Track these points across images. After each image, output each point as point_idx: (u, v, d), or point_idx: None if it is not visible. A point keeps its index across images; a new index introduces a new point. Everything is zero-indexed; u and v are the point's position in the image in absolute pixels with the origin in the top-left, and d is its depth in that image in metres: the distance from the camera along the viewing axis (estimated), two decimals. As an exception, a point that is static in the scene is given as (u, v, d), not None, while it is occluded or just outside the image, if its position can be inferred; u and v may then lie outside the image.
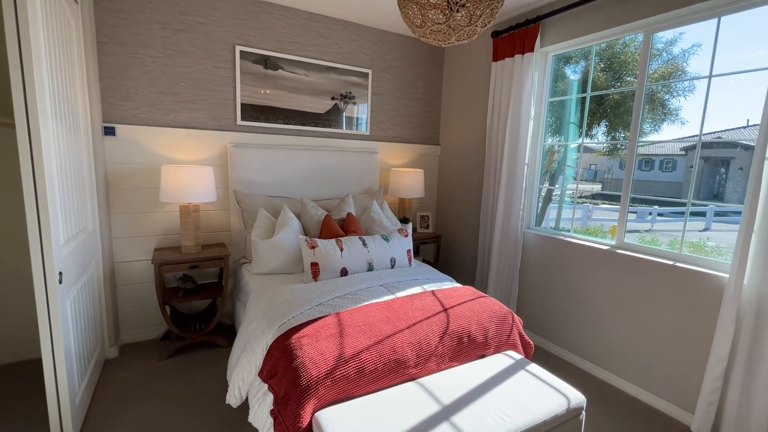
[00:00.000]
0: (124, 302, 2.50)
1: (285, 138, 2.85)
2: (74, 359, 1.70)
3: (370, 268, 2.21)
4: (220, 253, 2.42)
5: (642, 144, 2.18)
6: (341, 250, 2.14)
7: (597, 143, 3.88)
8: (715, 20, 1.85)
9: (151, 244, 2.52)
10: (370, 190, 3.14)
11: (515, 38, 2.63)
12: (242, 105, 2.67)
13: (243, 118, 2.69)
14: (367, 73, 3.12)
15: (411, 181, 3.11)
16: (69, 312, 1.66)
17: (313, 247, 2.10)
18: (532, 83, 2.56)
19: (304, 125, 2.92)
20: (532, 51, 2.51)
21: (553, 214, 3.12)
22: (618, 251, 2.22)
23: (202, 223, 2.66)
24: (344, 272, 2.13)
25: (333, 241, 2.17)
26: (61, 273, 1.55)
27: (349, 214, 2.53)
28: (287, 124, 2.85)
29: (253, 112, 2.72)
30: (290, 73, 2.80)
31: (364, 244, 2.22)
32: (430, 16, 1.32)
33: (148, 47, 2.35)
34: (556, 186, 3.08)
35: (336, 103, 3.03)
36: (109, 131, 2.30)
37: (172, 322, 2.36)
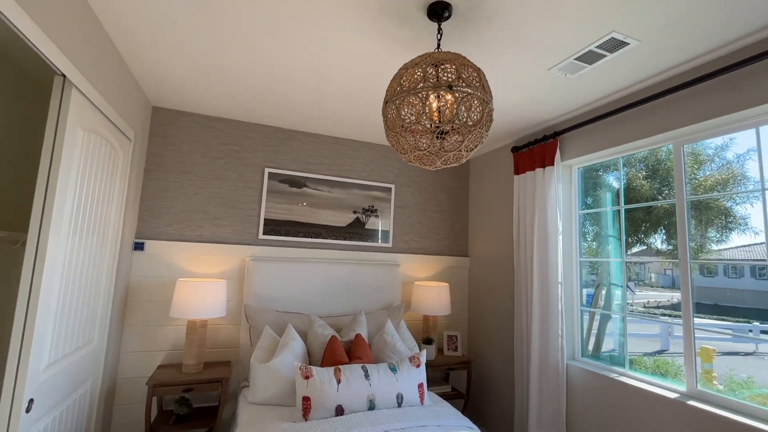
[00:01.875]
0: (119, 425, 2.34)
1: (303, 251, 2.86)
2: (24, 505, 1.50)
3: (372, 407, 1.89)
4: (219, 375, 2.25)
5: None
6: (338, 382, 1.88)
7: (640, 259, 3.44)
8: (753, 130, 1.66)
9: (157, 359, 2.45)
10: (390, 306, 2.93)
11: (534, 153, 2.59)
12: (265, 220, 2.79)
13: (265, 233, 2.78)
14: (390, 188, 3.20)
15: (435, 296, 2.87)
16: (33, 444, 1.53)
17: (307, 377, 1.87)
18: (557, 196, 2.41)
19: (324, 238, 2.94)
20: (553, 165, 2.42)
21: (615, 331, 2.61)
22: (690, 403, 1.70)
23: (210, 338, 2.57)
24: (339, 411, 1.83)
25: (331, 370, 1.93)
26: (31, 400, 1.47)
27: (357, 335, 2.31)
28: (307, 237, 2.89)
29: (275, 226, 2.81)
30: (314, 190, 2.94)
31: (367, 376, 1.94)
32: (412, 143, 1.30)
33: (188, 173, 2.63)
34: (600, 304, 2.64)
35: (358, 216, 3.07)
36: (139, 246, 2.46)
37: (156, 455, 2.12)
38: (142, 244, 2.47)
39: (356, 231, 3.05)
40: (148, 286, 2.47)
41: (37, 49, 1.29)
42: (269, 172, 2.83)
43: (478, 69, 1.29)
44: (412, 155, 1.34)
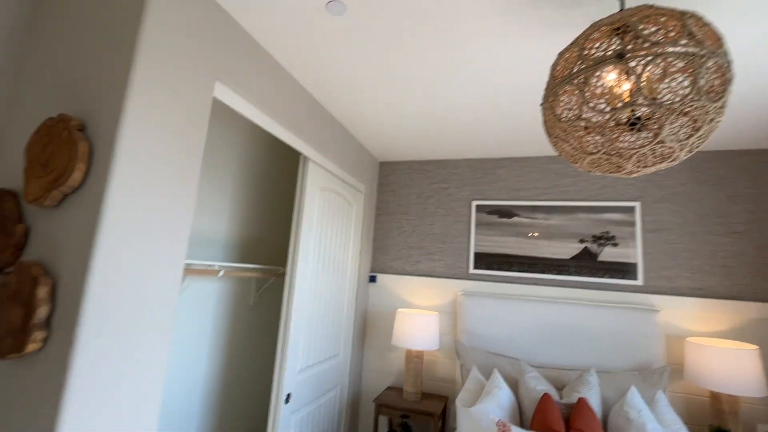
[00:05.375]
0: (365, 431, 2.75)
1: (517, 287, 2.57)
2: (288, 476, 1.98)
3: (594, 507, 1.38)
4: (433, 409, 2.29)
5: None
6: (544, 455, 1.50)
7: None
8: None
9: (388, 380, 2.76)
10: (644, 367, 2.14)
11: None
12: (475, 254, 2.72)
13: (475, 267, 2.70)
14: (634, 207, 2.44)
15: (734, 364, 1.88)
16: (292, 428, 2.02)
17: (505, 438, 1.60)
18: None
19: (542, 273, 2.55)
20: None
21: None
22: None
23: (428, 371, 2.67)
24: (545, 495, 1.44)
25: (535, 436, 1.57)
26: (289, 394, 1.97)
27: (581, 400, 1.80)
28: (522, 272, 2.59)
29: (486, 260, 2.69)
30: (527, 219, 2.64)
31: (586, 459, 1.46)
32: (576, 145, 0.96)
33: (406, 213, 2.97)
34: None
35: (586, 246, 2.49)
36: (372, 279, 2.93)
37: (382, 471, 2.33)
38: (375, 276, 2.93)
39: (585, 264, 2.48)
40: (380, 314, 2.87)
41: (286, 142, 1.85)
42: (476, 205, 2.78)
43: (688, 15, 0.82)
44: (585, 161, 0.98)
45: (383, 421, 2.74)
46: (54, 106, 1.19)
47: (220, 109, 2.29)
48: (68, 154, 1.05)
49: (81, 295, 0.98)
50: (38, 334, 0.98)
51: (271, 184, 2.79)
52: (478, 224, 2.75)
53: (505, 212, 2.71)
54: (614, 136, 0.92)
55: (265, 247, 2.72)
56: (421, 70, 1.74)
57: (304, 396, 2.13)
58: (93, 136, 1.09)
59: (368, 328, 2.89)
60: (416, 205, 2.95)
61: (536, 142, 2.48)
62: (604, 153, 0.91)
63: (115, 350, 1.06)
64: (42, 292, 0.99)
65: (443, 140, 2.56)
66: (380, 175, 3.12)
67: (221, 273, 1.95)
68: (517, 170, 2.74)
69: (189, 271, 1.76)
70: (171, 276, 1.23)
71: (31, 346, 0.98)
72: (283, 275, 2.70)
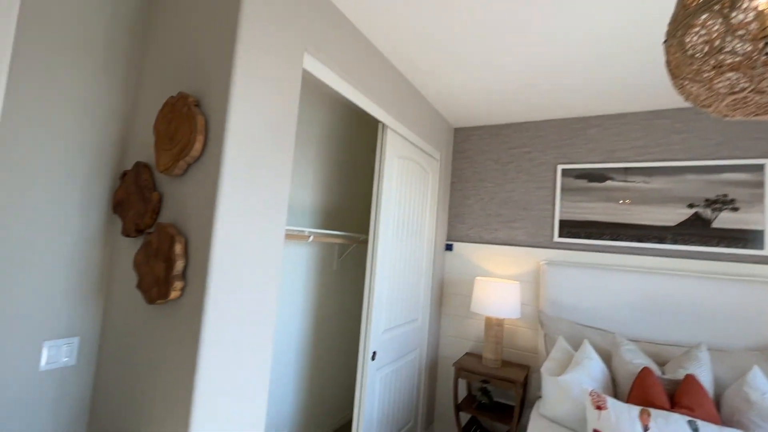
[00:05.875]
0: (442, 395, 2.84)
1: (609, 257, 2.38)
2: (375, 423, 2.14)
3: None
4: (514, 376, 2.27)
5: None
6: (645, 429, 1.41)
7: None
8: None
9: (465, 346, 2.79)
10: (767, 346, 1.88)
11: None
12: (560, 221, 2.55)
13: (560, 235, 2.55)
14: (762, 165, 2.08)
15: None
16: (377, 384, 2.16)
17: (599, 408, 1.54)
18: None
19: (639, 241, 2.32)
20: None
21: None
22: None
23: (508, 339, 2.63)
24: (647, 468, 1.37)
25: (635, 410, 1.48)
26: (375, 352, 2.09)
27: (689, 377, 1.64)
28: (614, 240, 2.38)
29: (572, 228, 2.52)
30: (622, 183, 2.40)
31: (697, 436, 1.34)
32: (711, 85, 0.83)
33: (483, 180, 2.87)
34: None
35: (697, 212, 2.20)
36: (449, 247, 2.92)
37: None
38: (451, 245, 2.92)
39: (695, 232, 2.20)
40: (456, 281, 2.87)
41: (367, 111, 1.89)
42: (563, 169, 2.58)
43: None
44: (723, 103, 0.85)
45: (462, 384, 2.79)
46: (173, 85, 1.33)
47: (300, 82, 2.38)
48: (189, 128, 1.18)
49: (208, 251, 1.13)
50: (177, 284, 1.15)
51: (348, 154, 2.88)
52: (564, 190, 2.57)
53: (597, 176, 2.48)
54: (765, 71, 0.78)
55: (343, 215, 2.84)
56: (513, 23, 1.62)
57: (387, 355, 2.24)
58: (207, 110, 1.20)
59: (445, 295, 2.91)
60: (494, 172, 2.83)
61: (638, 95, 2.20)
62: (752, 91, 0.78)
63: (236, 300, 1.21)
64: (178, 248, 1.16)
65: (525, 101, 2.38)
66: (455, 141, 3.03)
67: (311, 238, 2.09)
68: (612, 129, 2.47)
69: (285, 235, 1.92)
70: (276, 237, 1.35)
71: (173, 294, 1.15)
72: (362, 242, 2.81)
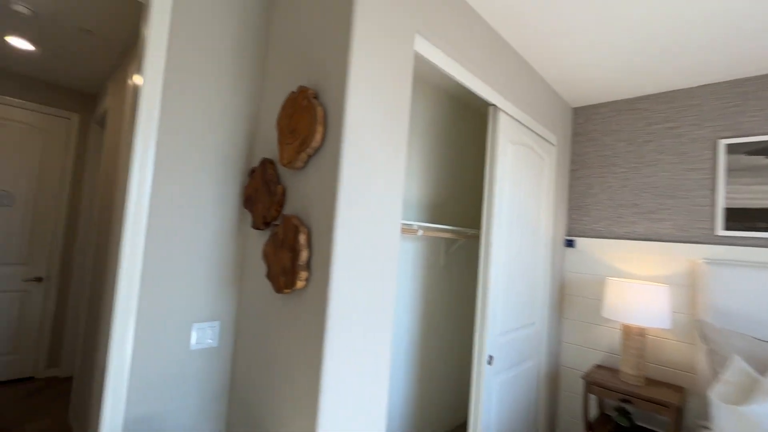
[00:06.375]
0: (565, 410, 2.51)
1: (810, 254, 1.81)
2: (492, 430, 1.96)
3: None
4: (667, 398, 1.87)
5: None
6: None
7: None
8: None
9: (593, 357, 2.42)
10: None
11: None
12: (726, 210, 2.04)
13: (727, 227, 2.03)
14: None
15: None
16: (494, 389, 1.97)
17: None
18: None
19: None
20: None
21: None
22: None
23: (652, 353, 2.20)
24: None
25: None
26: (491, 356, 1.92)
27: None
28: (816, 232, 1.80)
29: (744, 219, 1.98)
30: (825, 156, 1.81)
31: None
32: None
33: (612, 165, 2.46)
34: None
35: None
36: (569, 243, 2.58)
37: (596, 455, 2.07)
38: (572, 241, 2.57)
39: None
40: (580, 282, 2.52)
41: (478, 94, 1.74)
42: (726, 145, 2.06)
43: None
44: None
45: (592, 400, 2.43)
46: (293, 81, 1.37)
47: (404, 75, 2.33)
48: (309, 119, 1.19)
49: (330, 242, 1.11)
50: (303, 274, 1.16)
51: (451, 145, 2.74)
52: (730, 170, 2.05)
53: (781, 150, 1.92)
54: None
55: (450, 209, 2.71)
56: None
57: (503, 361, 2.05)
58: (325, 101, 1.20)
59: (566, 297, 2.58)
60: (626, 155, 2.41)
61: None
62: None
63: (358, 291, 1.18)
64: (302, 239, 1.17)
65: (669, 64, 1.95)
66: (574, 123, 2.67)
67: (420, 232, 2.02)
68: (804, 86, 1.89)
69: (392, 230, 1.88)
70: (393, 230, 1.29)
71: (299, 284, 1.17)
72: (472, 237, 2.64)
